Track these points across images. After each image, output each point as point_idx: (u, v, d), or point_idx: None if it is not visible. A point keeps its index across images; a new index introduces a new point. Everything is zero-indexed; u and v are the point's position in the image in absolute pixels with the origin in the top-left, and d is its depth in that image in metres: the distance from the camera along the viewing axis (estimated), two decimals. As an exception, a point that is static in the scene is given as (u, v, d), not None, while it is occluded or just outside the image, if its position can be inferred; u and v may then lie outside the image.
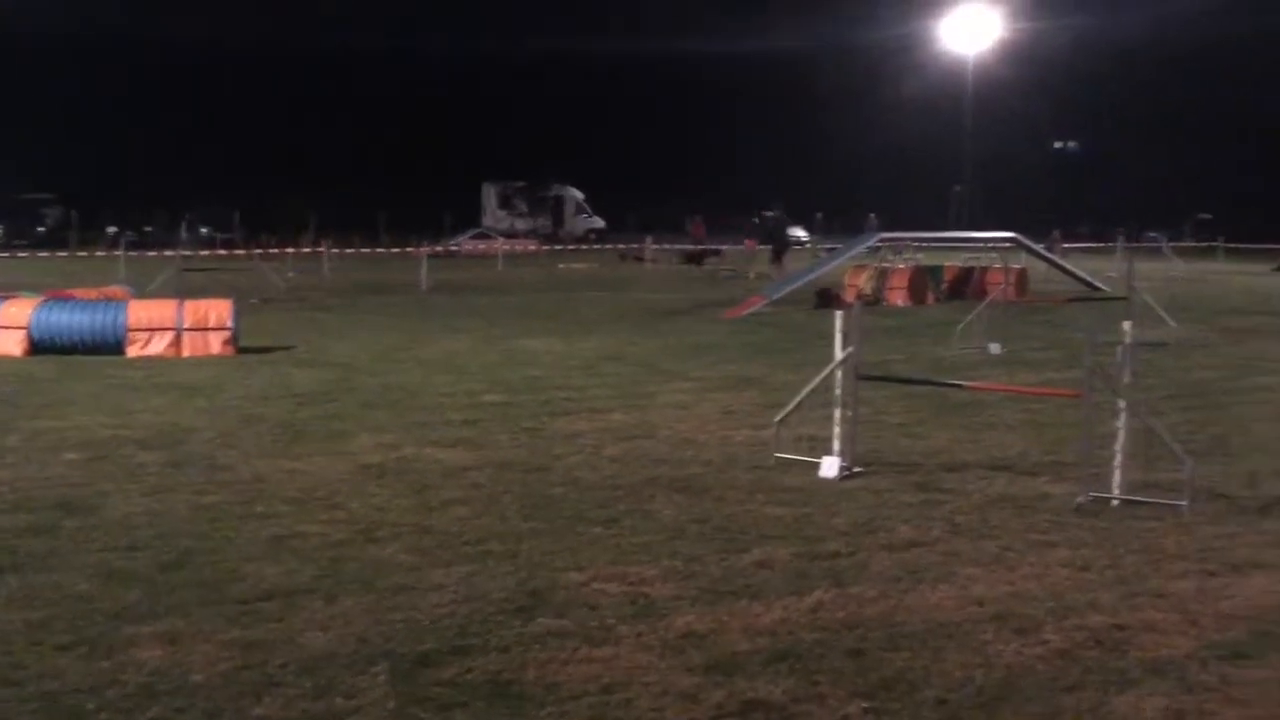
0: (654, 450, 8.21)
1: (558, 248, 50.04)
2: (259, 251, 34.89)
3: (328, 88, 72.56)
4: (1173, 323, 17.15)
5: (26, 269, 28.68)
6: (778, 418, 7.98)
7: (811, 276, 22.43)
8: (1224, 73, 69.69)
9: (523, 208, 63.89)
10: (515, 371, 12.33)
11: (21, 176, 50.81)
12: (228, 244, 43.40)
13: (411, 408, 9.96)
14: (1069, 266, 26.87)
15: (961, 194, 65.41)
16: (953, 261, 25.63)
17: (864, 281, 22.73)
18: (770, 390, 10.83)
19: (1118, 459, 6.73)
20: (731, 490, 7.04)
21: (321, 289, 25.24)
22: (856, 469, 7.43)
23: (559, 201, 63.92)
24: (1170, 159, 69.45)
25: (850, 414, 7.45)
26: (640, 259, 39.98)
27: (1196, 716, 4.00)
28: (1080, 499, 6.68)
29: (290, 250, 36.45)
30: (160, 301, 14.12)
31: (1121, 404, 6.76)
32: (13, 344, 13.10)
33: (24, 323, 13.20)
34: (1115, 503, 6.68)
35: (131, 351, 13.14)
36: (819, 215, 57.24)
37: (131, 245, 32.84)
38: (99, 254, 34.59)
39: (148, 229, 49.46)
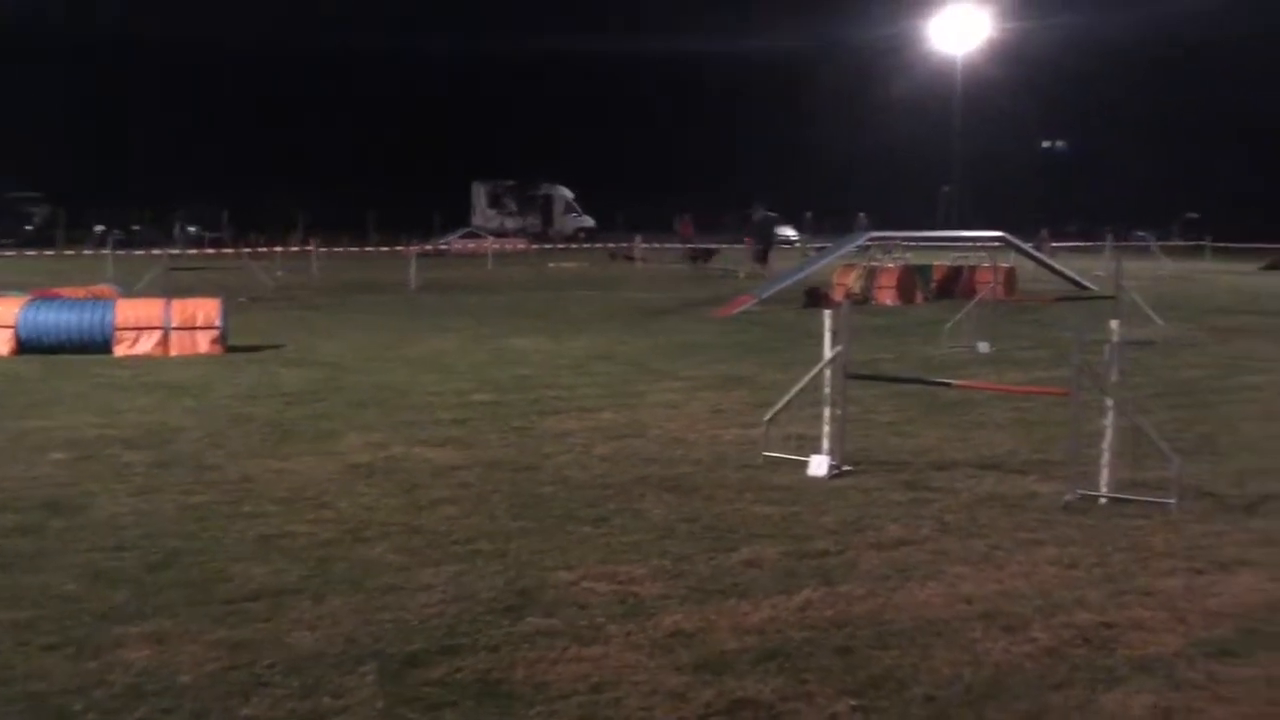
0: (643, 449, 8.21)
1: (547, 247, 50.03)
2: (247, 250, 34.83)
3: (321, 87, 72.38)
4: (1160, 321, 17.20)
5: (13, 268, 28.55)
6: (767, 416, 7.99)
7: (800, 275, 22.44)
8: (1212, 73, 70.10)
9: (512, 207, 63.80)
10: (504, 370, 12.32)
11: (8, 175, 50.55)
12: (216, 243, 43.36)
13: (400, 407, 9.94)
14: (1057, 266, 26.95)
15: (950, 193, 65.61)
16: (941, 261, 25.66)
17: (853, 280, 22.74)
18: (759, 389, 10.83)
19: (1105, 457, 6.74)
20: (720, 489, 7.04)
21: (310, 288, 25.17)
22: (845, 468, 7.43)
23: (548, 200, 63.89)
24: (1158, 158, 69.82)
25: (839, 413, 7.45)
26: (630, 258, 39.91)
27: (1184, 714, 4.01)
28: (1068, 497, 6.70)
29: (279, 249, 36.38)
30: (148, 300, 14.06)
31: (1109, 402, 6.77)
32: (-1, 343, 13.05)
33: (10, 322, 13.14)
34: (1103, 501, 6.69)
35: (119, 351, 13.10)
36: (808, 214, 57.32)
37: (119, 244, 32.77)
38: (86, 253, 34.44)
39: (135, 228, 49.30)
